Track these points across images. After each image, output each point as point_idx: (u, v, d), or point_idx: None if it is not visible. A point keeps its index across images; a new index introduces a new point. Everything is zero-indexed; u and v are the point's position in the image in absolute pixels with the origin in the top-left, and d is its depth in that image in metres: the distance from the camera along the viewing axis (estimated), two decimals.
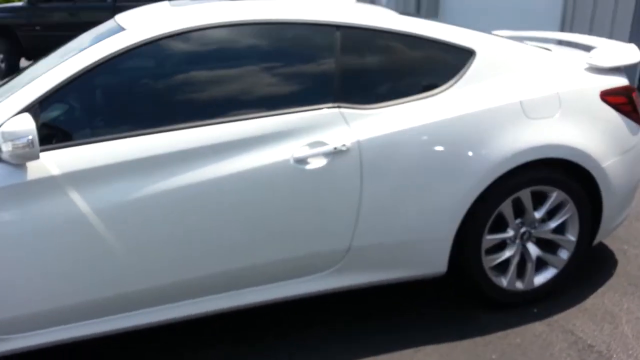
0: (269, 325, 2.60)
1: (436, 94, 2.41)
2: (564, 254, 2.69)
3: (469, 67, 2.47)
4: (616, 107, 2.62)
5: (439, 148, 2.35)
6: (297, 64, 2.31)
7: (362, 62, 2.37)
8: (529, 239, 2.64)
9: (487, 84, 2.47)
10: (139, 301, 2.19)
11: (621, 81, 2.67)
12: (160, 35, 2.18)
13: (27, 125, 1.86)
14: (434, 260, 2.52)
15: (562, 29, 6.33)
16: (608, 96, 2.61)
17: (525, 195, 2.52)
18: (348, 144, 2.25)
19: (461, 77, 2.46)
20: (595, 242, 2.78)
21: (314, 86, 2.31)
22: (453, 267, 2.58)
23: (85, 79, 2.07)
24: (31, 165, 1.96)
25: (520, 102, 2.45)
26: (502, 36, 2.70)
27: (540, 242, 2.68)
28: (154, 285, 2.17)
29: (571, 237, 2.67)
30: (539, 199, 2.57)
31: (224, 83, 2.22)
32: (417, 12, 7.61)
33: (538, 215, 2.59)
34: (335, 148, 2.23)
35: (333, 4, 2.49)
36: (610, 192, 2.62)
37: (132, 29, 2.18)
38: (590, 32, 5.96)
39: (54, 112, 2.06)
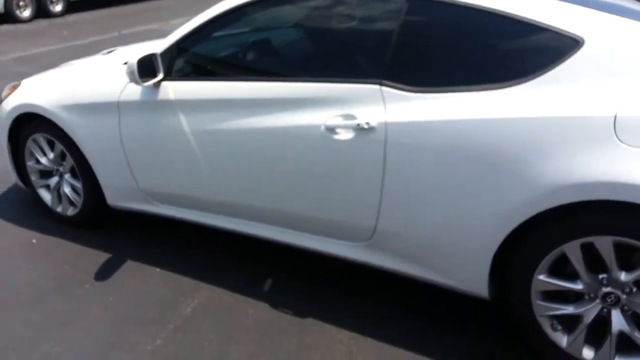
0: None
1: (507, 87, 1.97)
2: None
3: (563, 61, 1.91)
4: None
5: (484, 150, 1.95)
6: (360, 33, 2.26)
7: (427, 40, 2.10)
8: (616, 305, 1.95)
9: (582, 86, 1.87)
10: (223, 208, 2.71)
11: None
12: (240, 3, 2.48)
13: (133, 60, 2.54)
14: (467, 277, 2.16)
15: None
16: None
17: (603, 244, 1.87)
18: (373, 123, 2.14)
19: (548, 71, 1.92)
20: None
21: (366, 58, 2.22)
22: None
23: (197, 34, 2.60)
24: (158, 89, 2.66)
25: (615, 117, 1.78)
26: None
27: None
28: (225, 198, 2.65)
29: None
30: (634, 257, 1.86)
31: (291, 45, 2.42)
32: None
33: (626, 277, 1.88)
34: (358, 124, 2.16)
35: None
36: None
37: None
38: None
39: (184, 53, 2.68)
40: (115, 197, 3.05)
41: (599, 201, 1.82)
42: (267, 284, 2.71)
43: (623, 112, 1.78)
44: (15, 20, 10.60)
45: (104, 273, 2.86)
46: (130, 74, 2.52)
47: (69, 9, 11.69)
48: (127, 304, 2.60)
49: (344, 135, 2.21)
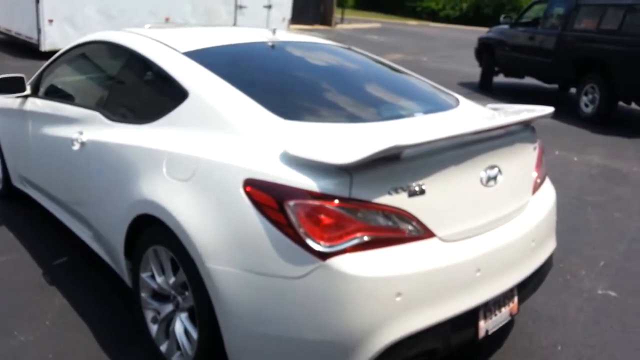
0: None
1: (143, 123, 2.62)
2: (189, 349, 2.30)
3: (174, 108, 2.48)
4: (259, 207, 1.98)
5: (122, 165, 2.60)
6: (104, 77, 3.25)
7: (123, 85, 2.94)
8: (179, 308, 2.40)
9: (175, 130, 2.44)
10: (44, 192, 3.61)
11: (304, 182, 1.93)
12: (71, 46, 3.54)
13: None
14: (120, 268, 2.73)
15: None
16: (252, 188, 2.00)
17: (162, 252, 2.37)
18: (84, 139, 2.89)
19: (165, 115, 2.52)
20: None
21: (98, 94, 3.12)
22: None
23: (48, 68, 3.69)
24: (25, 101, 3.69)
25: (167, 156, 2.33)
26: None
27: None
28: (42, 184, 3.57)
29: (194, 332, 2.25)
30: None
31: (76, 81, 3.44)
32: None
33: (172, 281, 2.35)
34: (79, 139, 2.92)
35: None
36: (225, 309, 2.06)
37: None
38: None
39: (45, 80, 3.71)
40: (15, 179, 4.11)
41: (156, 218, 2.33)
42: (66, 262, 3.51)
43: (172, 151, 2.33)
44: None
45: None
46: None
47: None
48: None
49: (76, 146, 2.98)
